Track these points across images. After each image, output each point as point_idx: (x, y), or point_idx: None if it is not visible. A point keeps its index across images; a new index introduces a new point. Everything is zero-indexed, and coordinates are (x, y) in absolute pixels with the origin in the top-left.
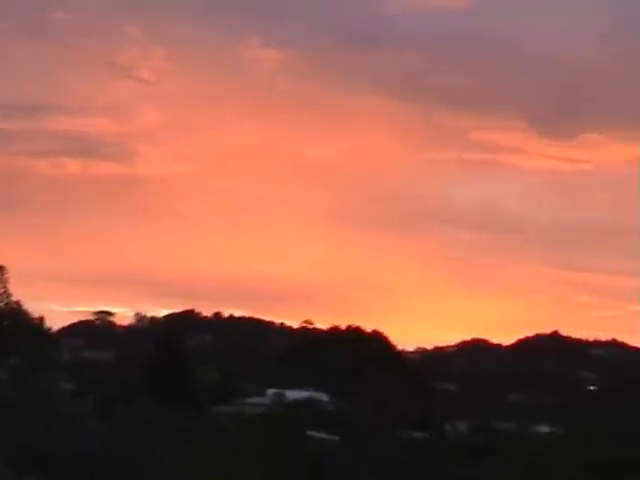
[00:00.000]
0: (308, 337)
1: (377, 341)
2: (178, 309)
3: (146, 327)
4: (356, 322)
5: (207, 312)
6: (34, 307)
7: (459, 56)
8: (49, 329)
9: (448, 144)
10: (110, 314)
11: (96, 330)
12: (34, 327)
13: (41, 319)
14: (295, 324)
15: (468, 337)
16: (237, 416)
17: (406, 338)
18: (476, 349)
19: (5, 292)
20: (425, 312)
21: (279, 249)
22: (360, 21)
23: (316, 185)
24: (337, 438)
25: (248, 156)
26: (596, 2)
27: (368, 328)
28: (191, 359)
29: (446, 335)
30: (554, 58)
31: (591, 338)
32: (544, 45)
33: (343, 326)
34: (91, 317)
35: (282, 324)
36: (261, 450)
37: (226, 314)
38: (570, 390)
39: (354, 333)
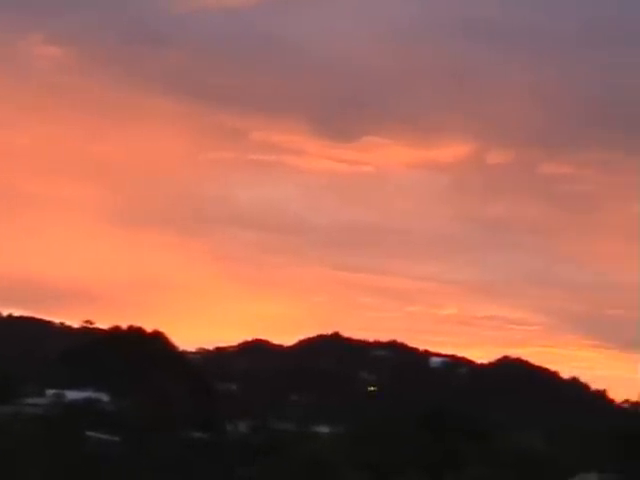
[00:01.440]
0: (89, 337)
1: (158, 341)
2: None
3: None
4: (137, 322)
5: None
6: None
7: (243, 56)
8: None
9: (232, 145)
10: None
11: None
12: None
13: None
14: (75, 324)
15: (249, 337)
16: (15, 416)
17: (188, 339)
18: (257, 349)
19: None
20: (207, 312)
21: (60, 248)
22: (145, 19)
23: (99, 184)
24: (117, 438)
25: (29, 154)
26: (379, 6)
27: (149, 328)
28: None
29: (228, 335)
30: (337, 60)
31: (371, 339)
32: (328, 47)
33: (124, 326)
34: None
35: (62, 324)
36: (39, 450)
37: (5, 313)
38: (350, 390)
39: (135, 333)
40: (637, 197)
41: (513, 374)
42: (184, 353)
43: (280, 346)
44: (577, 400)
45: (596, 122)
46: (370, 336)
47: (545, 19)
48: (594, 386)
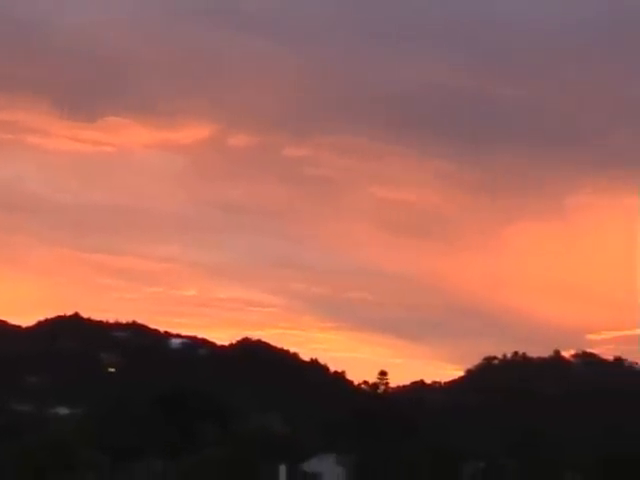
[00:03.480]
0: None
1: None
2: None
3: None
4: None
5: None
6: None
7: None
8: None
9: None
10: None
11: None
12: None
13: None
14: None
15: None
16: None
17: None
18: None
19: None
20: None
21: None
22: None
23: None
24: None
25: None
26: None
27: None
28: None
29: None
30: (82, 42)
31: (111, 320)
32: (71, 29)
33: None
34: None
35: None
36: None
37: None
38: (91, 372)
39: None
40: (377, 182)
41: (253, 356)
42: None
43: (18, 327)
44: (317, 381)
45: (340, 108)
46: (110, 317)
47: (290, 5)
48: (333, 367)
